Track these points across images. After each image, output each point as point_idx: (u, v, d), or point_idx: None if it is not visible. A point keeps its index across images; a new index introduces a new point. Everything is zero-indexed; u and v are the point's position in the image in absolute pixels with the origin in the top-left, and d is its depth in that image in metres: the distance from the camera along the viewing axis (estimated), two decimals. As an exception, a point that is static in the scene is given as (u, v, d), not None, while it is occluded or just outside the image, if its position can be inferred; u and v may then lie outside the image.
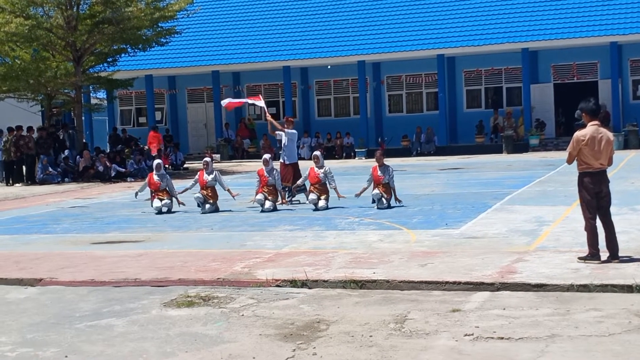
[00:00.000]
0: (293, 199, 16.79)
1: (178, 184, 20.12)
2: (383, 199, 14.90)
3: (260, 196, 15.54)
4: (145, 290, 8.77)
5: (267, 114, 18.15)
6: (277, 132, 17.35)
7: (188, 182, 17.29)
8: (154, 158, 29.41)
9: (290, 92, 36.20)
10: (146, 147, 32.03)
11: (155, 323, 7.34)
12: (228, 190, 15.95)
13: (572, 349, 6.07)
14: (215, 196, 15.95)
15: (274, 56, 35.59)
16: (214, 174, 16.04)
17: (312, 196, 15.44)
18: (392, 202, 15.11)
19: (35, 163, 27.57)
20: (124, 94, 39.12)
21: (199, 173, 16.29)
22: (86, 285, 9.19)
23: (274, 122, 17.82)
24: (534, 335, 6.42)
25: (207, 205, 15.71)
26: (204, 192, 15.83)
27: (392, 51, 34.21)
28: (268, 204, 15.48)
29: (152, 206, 16.08)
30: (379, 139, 34.15)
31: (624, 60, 33.37)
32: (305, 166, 17.47)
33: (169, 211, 16.00)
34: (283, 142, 17.10)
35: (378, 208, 14.84)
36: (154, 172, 16.46)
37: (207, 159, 16.69)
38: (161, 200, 16.06)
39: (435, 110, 35.20)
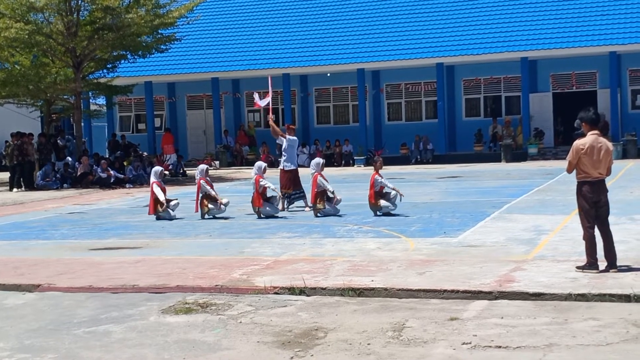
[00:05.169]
0: (291, 206, 16.78)
1: (180, 191, 20.13)
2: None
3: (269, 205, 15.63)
4: (143, 296, 8.77)
5: (271, 116, 18.01)
6: (282, 137, 17.23)
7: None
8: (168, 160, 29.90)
9: (290, 100, 36.23)
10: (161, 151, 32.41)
11: (153, 330, 7.34)
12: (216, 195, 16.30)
13: (570, 358, 6.07)
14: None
15: (274, 63, 35.63)
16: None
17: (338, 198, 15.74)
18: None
19: (34, 169, 27.59)
20: (124, 100, 39.15)
21: (203, 181, 16.11)
22: (84, 291, 9.18)
23: (275, 126, 17.68)
24: (532, 344, 6.42)
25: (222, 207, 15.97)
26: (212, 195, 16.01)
27: (392, 59, 34.26)
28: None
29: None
30: (374, 149, 34.13)
31: (623, 70, 33.43)
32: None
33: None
34: (283, 147, 17.05)
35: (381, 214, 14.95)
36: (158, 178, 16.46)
37: (204, 165, 16.67)
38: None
39: (434, 118, 35.24)
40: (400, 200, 15.12)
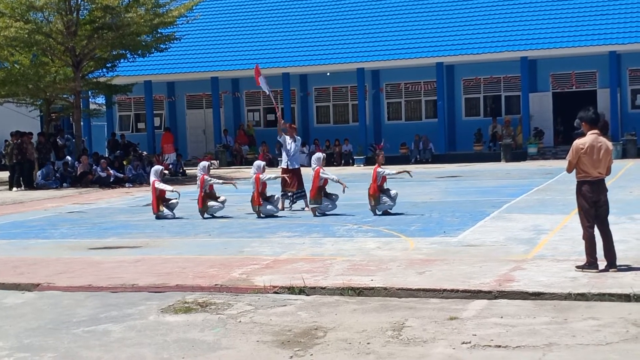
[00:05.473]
0: (293, 205, 16.77)
1: (180, 190, 20.10)
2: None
3: (269, 205, 15.63)
4: (142, 296, 8.76)
5: (279, 114, 18.45)
6: (286, 136, 17.21)
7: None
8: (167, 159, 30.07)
9: (289, 99, 36.23)
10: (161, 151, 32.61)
11: (153, 329, 7.33)
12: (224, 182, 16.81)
13: (570, 357, 6.07)
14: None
15: (273, 63, 35.63)
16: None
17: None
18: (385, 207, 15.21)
19: (33, 168, 27.58)
20: (123, 99, 39.14)
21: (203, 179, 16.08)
22: (84, 290, 9.18)
23: (286, 125, 17.94)
24: (532, 343, 6.41)
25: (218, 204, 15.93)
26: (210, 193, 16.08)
27: (392, 59, 34.27)
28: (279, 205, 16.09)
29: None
30: (374, 145, 34.11)
31: (623, 69, 33.45)
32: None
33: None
34: (290, 147, 17.02)
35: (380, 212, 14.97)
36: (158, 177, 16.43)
37: (206, 162, 16.70)
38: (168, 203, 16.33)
39: (434, 118, 35.26)
40: (411, 176, 16.09)
